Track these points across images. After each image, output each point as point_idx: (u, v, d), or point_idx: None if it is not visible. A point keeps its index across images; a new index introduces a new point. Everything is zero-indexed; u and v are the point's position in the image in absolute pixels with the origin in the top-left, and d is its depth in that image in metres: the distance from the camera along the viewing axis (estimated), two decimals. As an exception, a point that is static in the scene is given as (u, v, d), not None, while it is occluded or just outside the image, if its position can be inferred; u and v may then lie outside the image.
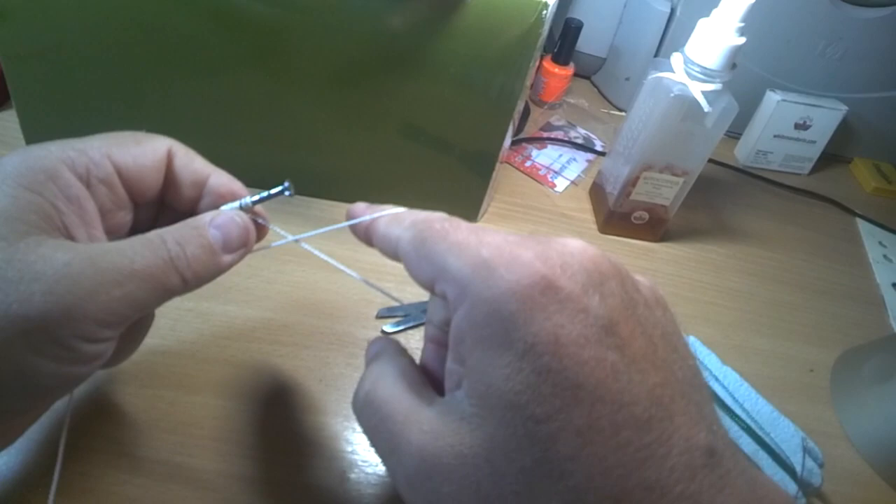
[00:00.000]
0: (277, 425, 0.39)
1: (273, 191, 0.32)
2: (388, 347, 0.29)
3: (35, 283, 0.23)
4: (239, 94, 0.48)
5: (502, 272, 0.21)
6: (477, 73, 0.47)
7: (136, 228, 0.31)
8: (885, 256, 0.69)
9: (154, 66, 0.46)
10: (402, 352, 0.28)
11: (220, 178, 0.32)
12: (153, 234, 0.27)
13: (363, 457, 0.38)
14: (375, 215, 0.30)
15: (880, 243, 0.71)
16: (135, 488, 0.34)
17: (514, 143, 0.68)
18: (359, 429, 0.39)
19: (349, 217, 0.31)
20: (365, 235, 0.31)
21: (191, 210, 0.31)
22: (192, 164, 0.31)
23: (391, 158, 0.53)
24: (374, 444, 0.25)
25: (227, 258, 0.29)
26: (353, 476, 0.37)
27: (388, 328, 0.46)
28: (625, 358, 0.20)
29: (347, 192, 0.55)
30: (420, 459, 0.22)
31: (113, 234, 0.29)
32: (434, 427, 0.22)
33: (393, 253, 0.28)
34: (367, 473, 0.38)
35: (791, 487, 0.40)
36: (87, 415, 0.37)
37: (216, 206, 0.31)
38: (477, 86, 0.48)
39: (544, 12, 0.44)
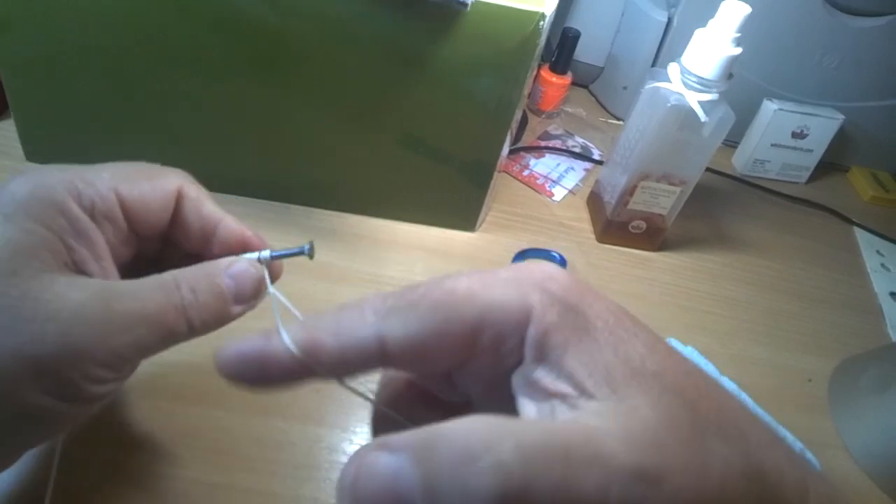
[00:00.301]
0: (275, 437, 0.39)
1: (293, 250, 0.30)
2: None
3: (49, 324, 0.23)
4: (238, 104, 0.48)
5: (550, 280, 0.21)
6: (475, 82, 0.47)
7: (140, 258, 0.31)
8: (882, 265, 0.69)
9: (154, 76, 0.47)
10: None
11: (230, 228, 0.31)
12: (168, 277, 0.27)
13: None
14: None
15: (878, 252, 0.71)
16: (131, 499, 0.34)
17: (511, 152, 0.68)
18: (356, 440, 0.39)
19: (226, 368, 0.21)
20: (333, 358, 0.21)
21: (197, 251, 0.31)
22: (201, 208, 0.30)
23: (389, 168, 0.53)
24: None
25: (237, 309, 0.29)
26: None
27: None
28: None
29: (345, 201, 0.55)
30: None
31: (122, 256, 0.29)
32: (616, 426, 0.18)
33: (372, 358, 0.20)
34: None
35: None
36: (84, 427, 0.37)
37: (223, 253, 0.30)
38: (475, 95, 0.48)
39: (542, 22, 0.44)
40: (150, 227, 0.29)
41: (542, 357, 0.20)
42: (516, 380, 0.21)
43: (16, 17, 0.43)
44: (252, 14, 0.43)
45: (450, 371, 0.22)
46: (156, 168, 0.30)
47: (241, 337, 0.22)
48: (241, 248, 0.31)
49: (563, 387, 0.19)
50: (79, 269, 0.26)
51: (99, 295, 0.24)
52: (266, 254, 0.30)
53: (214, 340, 0.42)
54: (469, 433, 0.17)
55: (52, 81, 0.47)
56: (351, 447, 0.39)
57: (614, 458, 0.17)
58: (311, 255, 0.30)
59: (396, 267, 0.52)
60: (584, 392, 0.19)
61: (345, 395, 0.42)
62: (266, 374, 0.21)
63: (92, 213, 0.27)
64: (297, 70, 0.47)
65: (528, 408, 0.20)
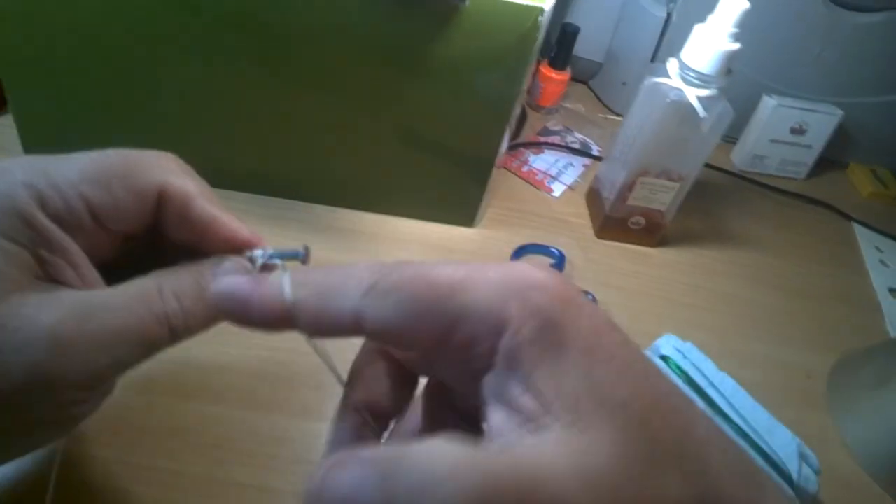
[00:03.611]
0: (274, 433, 0.39)
1: (287, 251, 0.28)
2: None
3: (16, 355, 0.21)
4: (236, 99, 0.48)
5: (533, 288, 0.20)
6: (474, 78, 0.47)
7: (130, 252, 0.28)
8: (881, 261, 0.69)
9: (152, 69, 0.46)
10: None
11: (223, 226, 0.27)
12: (151, 283, 0.25)
13: (359, 464, 0.38)
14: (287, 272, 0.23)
15: (877, 248, 0.71)
16: (131, 495, 0.34)
17: (510, 148, 0.68)
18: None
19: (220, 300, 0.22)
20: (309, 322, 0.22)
21: (189, 246, 0.28)
22: (188, 209, 0.26)
23: (388, 163, 0.53)
24: None
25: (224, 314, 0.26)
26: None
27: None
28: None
29: (344, 197, 0.55)
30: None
31: (101, 262, 0.27)
32: (571, 459, 0.19)
33: (347, 329, 0.21)
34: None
35: (787, 494, 0.40)
36: (84, 422, 0.37)
37: (216, 251, 0.27)
38: (474, 91, 0.48)
39: (540, 18, 0.44)
40: (127, 231, 0.27)
41: (513, 369, 0.20)
42: (487, 382, 0.21)
43: (13, 10, 0.43)
44: (250, 9, 0.43)
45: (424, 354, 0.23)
46: (136, 161, 0.26)
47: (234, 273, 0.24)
48: (235, 246, 0.27)
49: (530, 403, 0.20)
50: (54, 280, 0.24)
51: (72, 314, 0.22)
52: (258, 253, 0.28)
53: (212, 342, 0.42)
54: (434, 458, 0.17)
55: (50, 76, 0.46)
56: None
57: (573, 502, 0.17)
58: (304, 261, 0.28)
59: (395, 263, 0.52)
60: (549, 412, 0.19)
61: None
62: (248, 317, 0.22)
63: (59, 221, 0.24)
64: (296, 65, 0.46)
65: (495, 415, 0.20)
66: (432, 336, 0.21)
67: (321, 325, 0.21)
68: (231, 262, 0.27)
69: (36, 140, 0.50)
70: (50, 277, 0.24)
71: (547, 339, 0.20)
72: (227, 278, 0.22)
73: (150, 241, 0.28)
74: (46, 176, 0.24)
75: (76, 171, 0.25)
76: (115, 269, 0.26)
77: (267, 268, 0.27)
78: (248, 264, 0.27)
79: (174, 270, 0.26)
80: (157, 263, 0.26)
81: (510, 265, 0.22)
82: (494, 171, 0.54)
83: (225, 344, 0.42)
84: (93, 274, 0.26)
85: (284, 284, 0.21)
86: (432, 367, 0.24)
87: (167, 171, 0.27)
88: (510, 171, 0.67)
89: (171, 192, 0.26)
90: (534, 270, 0.21)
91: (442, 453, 0.17)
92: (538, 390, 0.20)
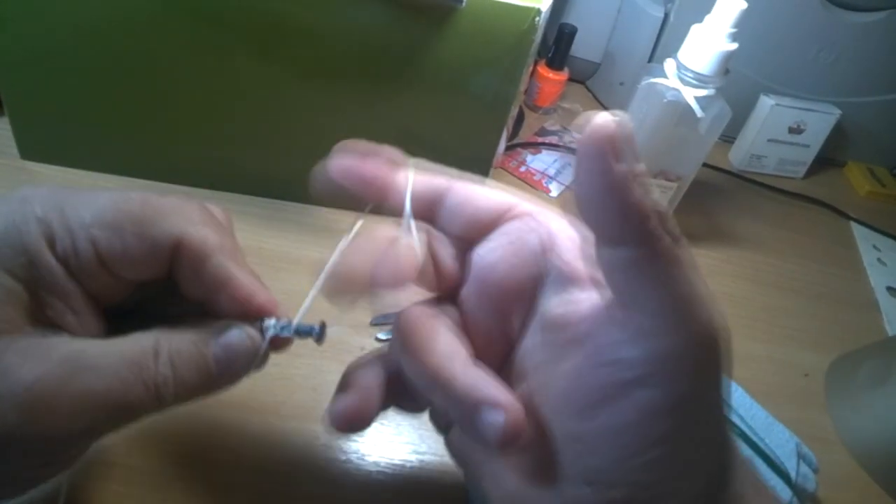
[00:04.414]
0: (271, 434, 0.39)
1: (303, 327, 0.27)
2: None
3: None
4: (233, 100, 0.48)
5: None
6: (470, 78, 0.47)
7: (144, 295, 0.27)
8: (879, 260, 0.69)
9: (149, 74, 0.46)
10: None
11: (239, 290, 0.25)
12: (148, 342, 0.23)
13: (357, 465, 0.38)
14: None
15: (874, 247, 0.71)
16: (126, 499, 0.34)
17: (508, 148, 0.68)
18: (353, 437, 0.39)
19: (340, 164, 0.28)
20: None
21: (202, 302, 0.26)
22: (205, 265, 0.24)
23: (385, 165, 0.53)
24: None
25: (221, 383, 0.25)
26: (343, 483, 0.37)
27: (382, 335, 0.46)
28: None
29: (343, 198, 0.54)
30: None
31: (111, 300, 0.26)
32: None
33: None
34: (358, 470, 0.37)
35: (786, 493, 0.40)
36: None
37: (230, 311, 0.25)
38: (470, 91, 0.48)
39: (537, 19, 0.44)
40: (140, 278, 0.25)
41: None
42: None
43: (8, 13, 0.43)
44: (248, 11, 0.43)
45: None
46: (154, 207, 0.24)
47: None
48: (249, 311, 0.26)
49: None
50: (52, 324, 0.23)
51: (57, 371, 0.21)
52: (270, 323, 0.26)
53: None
54: None
55: (46, 79, 0.46)
56: (347, 444, 0.39)
57: None
58: (319, 340, 0.27)
59: (393, 264, 0.52)
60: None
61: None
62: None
63: (66, 263, 0.23)
64: (293, 66, 0.46)
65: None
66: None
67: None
68: (238, 329, 0.25)
69: (32, 143, 0.50)
70: (48, 320, 0.23)
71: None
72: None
73: (167, 286, 0.26)
74: (61, 214, 0.23)
75: (91, 212, 0.23)
76: (127, 315, 0.25)
77: (276, 339, 0.26)
78: (257, 334, 0.25)
79: (176, 332, 0.24)
80: (170, 311, 0.25)
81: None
82: (492, 172, 0.54)
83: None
84: (94, 320, 0.24)
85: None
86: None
87: (187, 220, 0.25)
88: (507, 171, 0.67)
89: (187, 245, 0.24)
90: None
91: None
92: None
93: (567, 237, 0.25)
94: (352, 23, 0.44)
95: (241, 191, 0.53)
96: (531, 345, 0.26)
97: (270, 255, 0.49)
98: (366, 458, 0.38)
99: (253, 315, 0.26)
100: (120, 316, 0.25)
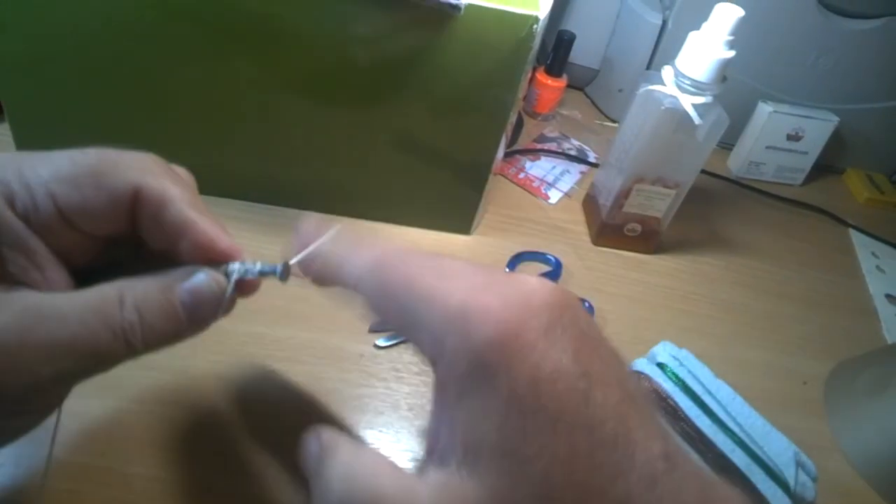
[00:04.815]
0: (269, 441, 0.39)
1: (265, 267, 0.27)
2: (336, 440, 0.24)
3: None
4: (232, 105, 0.48)
5: (477, 325, 0.21)
6: (469, 85, 0.47)
7: (112, 256, 0.27)
8: (877, 267, 0.69)
9: (149, 77, 0.46)
10: (350, 438, 0.25)
11: (201, 235, 0.25)
12: (112, 291, 0.23)
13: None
14: (317, 242, 0.27)
15: (873, 254, 0.71)
16: (123, 506, 0.34)
17: (507, 154, 0.68)
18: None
19: (300, 237, 0.28)
20: (316, 275, 0.27)
21: (166, 252, 0.26)
22: (164, 212, 0.25)
23: (384, 170, 0.53)
24: None
25: (190, 329, 0.25)
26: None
27: (381, 342, 0.46)
28: (591, 382, 0.21)
29: (339, 205, 0.55)
30: None
31: (78, 265, 0.26)
32: (437, 497, 0.21)
33: (352, 292, 0.25)
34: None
35: (784, 502, 0.40)
36: (76, 430, 0.36)
37: (191, 259, 0.26)
38: (470, 98, 0.48)
39: (535, 26, 0.44)
40: (102, 232, 0.25)
41: (442, 396, 0.22)
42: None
43: (8, 16, 0.43)
44: (247, 16, 0.43)
45: None
46: (111, 160, 0.25)
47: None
48: (212, 256, 0.26)
49: (443, 437, 0.22)
50: (15, 281, 0.23)
51: (18, 319, 0.21)
52: (234, 266, 0.26)
53: (207, 350, 0.41)
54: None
55: (46, 82, 0.46)
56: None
57: None
58: (283, 278, 0.27)
59: (391, 270, 0.52)
60: (453, 451, 0.21)
61: (342, 399, 0.42)
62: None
63: (28, 220, 0.23)
64: (292, 73, 0.46)
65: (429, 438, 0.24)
66: (394, 325, 0.26)
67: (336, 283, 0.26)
68: (204, 273, 0.25)
69: (31, 145, 0.49)
70: (12, 277, 0.23)
71: (474, 379, 0.21)
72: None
73: (135, 246, 0.26)
74: (19, 174, 0.23)
75: (49, 169, 0.24)
76: (96, 274, 0.25)
77: (242, 283, 0.26)
78: (222, 278, 0.26)
79: (141, 279, 0.24)
80: (138, 269, 0.25)
81: (485, 291, 0.22)
82: (491, 178, 0.54)
83: (219, 353, 0.42)
84: (60, 277, 0.24)
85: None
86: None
87: (145, 171, 0.25)
88: (507, 177, 0.67)
89: (146, 194, 0.24)
90: (497, 300, 0.21)
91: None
92: (453, 426, 0.21)
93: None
94: (350, 30, 0.44)
95: (239, 196, 0.53)
96: None
97: (269, 260, 0.49)
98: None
99: (217, 260, 0.26)
100: (90, 278, 0.25)
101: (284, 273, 0.27)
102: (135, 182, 0.24)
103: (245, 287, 0.27)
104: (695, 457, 0.41)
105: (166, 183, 0.25)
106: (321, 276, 0.27)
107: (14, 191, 0.23)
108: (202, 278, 0.25)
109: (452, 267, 0.23)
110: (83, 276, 0.26)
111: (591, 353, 0.22)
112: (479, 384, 0.21)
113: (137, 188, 0.24)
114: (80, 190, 0.24)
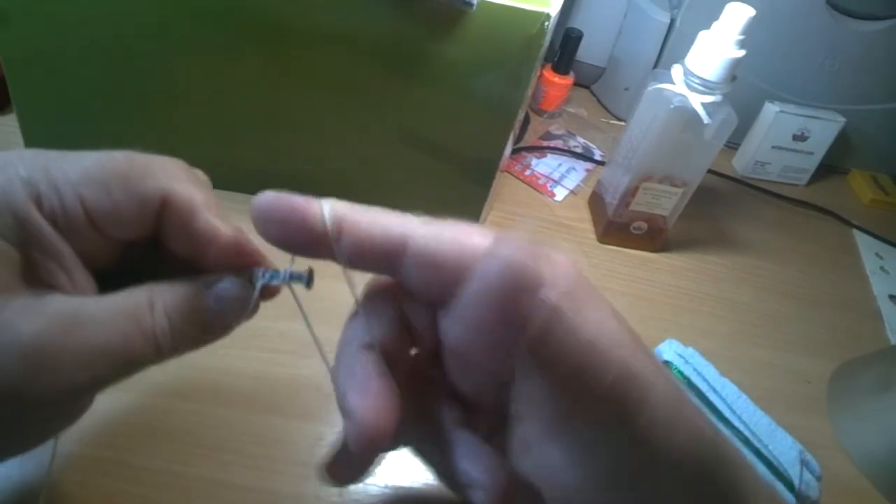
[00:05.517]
0: (276, 435, 0.39)
1: (293, 274, 0.27)
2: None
3: None
4: (240, 100, 0.48)
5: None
6: (479, 81, 0.47)
7: (129, 259, 0.27)
8: (881, 268, 0.70)
9: (156, 70, 0.46)
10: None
11: (228, 244, 0.26)
12: (143, 296, 0.23)
13: (364, 485, 0.38)
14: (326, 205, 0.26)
15: (877, 255, 0.71)
16: (131, 497, 0.34)
17: (513, 152, 0.68)
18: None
19: (262, 209, 0.25)
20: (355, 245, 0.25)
21: (191, 259, 0.26)
22: (192, 220, 0.25)
23: (390, 165, 0.53)
24: None
25: (216, 334, 0.26)
26: (351, 487, 0.37)
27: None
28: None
29: (347, 198, 0.55)
30: None
31: (98, 267, 0.25)
32: None
33: (392, 251, 0.24)
34: (365, 485, 0.37)
35: (789, 500, 0.40)
36: (82, 421, 0.36)
37: (217, 265, 0.26)
38: (478, 95, 0.48)
39: (546, 23, 0.44)
40: (128, 237, 0.25)
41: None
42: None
43: (17, 10, 0.43)
44: (256, 11, 0.43)
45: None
46: (140, 165, 0.25)
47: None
48: (238, 264, 0.26)
49: None
50: (44, 284, 0.23)
51: (56, 325, 0.21)
52: (260, 274, 0.26)
53: (213, 344, 0.41)
54: None
55: (54, 75, 0.46)
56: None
57: None
58: (309, 285, 0.27)
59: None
60: None
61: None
62: (289, 233, 0.24)
63: (55, 222, 0.23)
64: (302, 67, 0.46)
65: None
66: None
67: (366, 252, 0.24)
68: (231, 281, 0.25)
69: (39, 139, 0.50)
70: (40, 280, 0.23)
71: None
72: (270, 196, 0.25)
73: (152, 248, 0.26)
74: (47, 174, 0.23)
75: (78, 170, 0.23)
76: (113, 274, 0.25)
77: (267, 289, 0.26)
78: (248, 284, 0.26)
79: (169, 284, 0.24)
80: (156, 272, 0.25)
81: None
82: (497, 175, 0.54)
83: (225, 346, 0.42)
84: (85, 279, 0.24)
85: (325, 208, 0.26)
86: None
87: (173, 177, 0.25)
88: (513, 174, 0.67)
89: (174, 201, 0.24)
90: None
91: None
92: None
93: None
94: (361, 25, 0.44)
95: (245, 190, 0.53)
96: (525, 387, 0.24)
97: (277, 254, 0.49)
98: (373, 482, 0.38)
99: (242, 267, 0.26)
100: (107, 280, 0.25)
101: (310, 279, 0.27)
102: (163, 188, 0.24)
103: (268, 291, 0.27)
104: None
105: (193, 190, 0.25)
106: (362, 244, 0.25)
107: (42, 192, 0.22)
108: (229, 285, 0.25)
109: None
110: (103, 276, 0.25)
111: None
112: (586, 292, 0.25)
113: (166, 194, 0.24)
114: (111, 194, 0.23)
